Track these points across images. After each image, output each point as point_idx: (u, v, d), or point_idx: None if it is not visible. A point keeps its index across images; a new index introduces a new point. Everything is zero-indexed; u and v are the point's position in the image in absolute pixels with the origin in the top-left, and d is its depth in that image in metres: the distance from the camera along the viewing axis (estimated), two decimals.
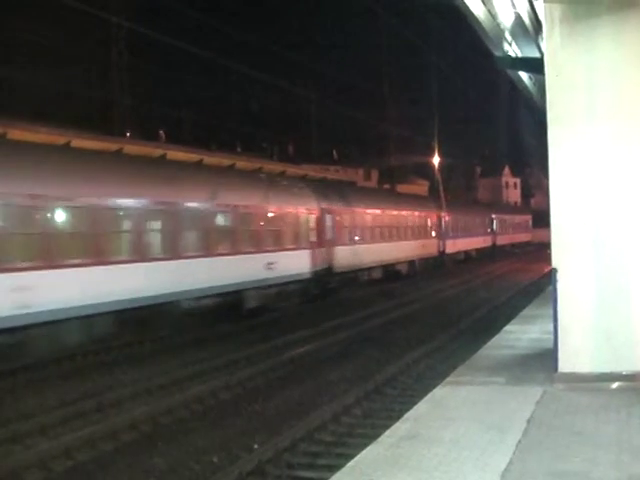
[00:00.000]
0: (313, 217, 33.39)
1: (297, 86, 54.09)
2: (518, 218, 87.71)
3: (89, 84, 47.57)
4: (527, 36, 15.77)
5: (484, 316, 26.48)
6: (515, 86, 21.50)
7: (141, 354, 21.05)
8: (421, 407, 10.78)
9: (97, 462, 11.74)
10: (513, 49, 16.73)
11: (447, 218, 54.78)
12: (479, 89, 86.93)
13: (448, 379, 12.65)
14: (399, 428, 9.67)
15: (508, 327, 18.67)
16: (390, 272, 43.40)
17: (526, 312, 21.57)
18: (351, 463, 8.41)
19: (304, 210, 32.54)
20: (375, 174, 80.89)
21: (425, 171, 79.34)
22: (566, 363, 11.90)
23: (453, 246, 55.71)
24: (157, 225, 23.07)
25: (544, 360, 12.94)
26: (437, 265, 52.01)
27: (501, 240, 73.95)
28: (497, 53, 16.53)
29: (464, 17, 14.00)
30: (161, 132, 49.81)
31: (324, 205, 34.44)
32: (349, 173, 67.79)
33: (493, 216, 72.24)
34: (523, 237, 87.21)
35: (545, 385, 11.58)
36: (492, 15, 14.32)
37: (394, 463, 8.25)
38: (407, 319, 26.81)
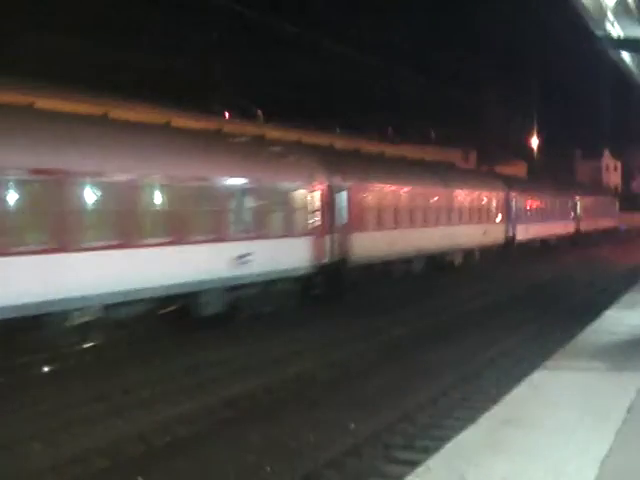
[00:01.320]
0: (317, 195, 26.57)
1: (396, 68, 53.70)
2: (604, 200, 78.22)
3: (188, 63, 48.17)
4: (630, 15, 15.44)
5: None
6: (617, 67, 21.06)
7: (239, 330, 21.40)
8: (519, 391, 10.69)
9: (196, 437, 12.02)
10: (615, 29, 16.39)
11: (517, 199, 48.14)
12: (580, 70, 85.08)
13: (546, 363, 12.51)
14: (497, 412, 9.62)
15: (608, 312, 18.39)
16: (439, 263, 37.02)
17: (627, 298, 21.20)
18: (449, 445, 8.40)
19: (301, 185, 25.80)
20: (473, 155, 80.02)
21: (525, 153, 78.23)
22: None
23: (525, 232, 48.95)
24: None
25: None
26: (504, 255, 45.11)
27: (586, 226, 65.27)
28: (599, 33, 16.21)
29: None
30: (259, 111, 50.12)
31: (336, 180, 27.76)
32: (447, 154, 67.16)
33: (577, 198, 63.78)
34: (608, 222, 76.90)
35: None
36: None
37: (492, 447, 8.21)
38: None
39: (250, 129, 30.05)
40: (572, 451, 8.00)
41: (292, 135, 31.83)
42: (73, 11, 41.69)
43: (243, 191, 22.71)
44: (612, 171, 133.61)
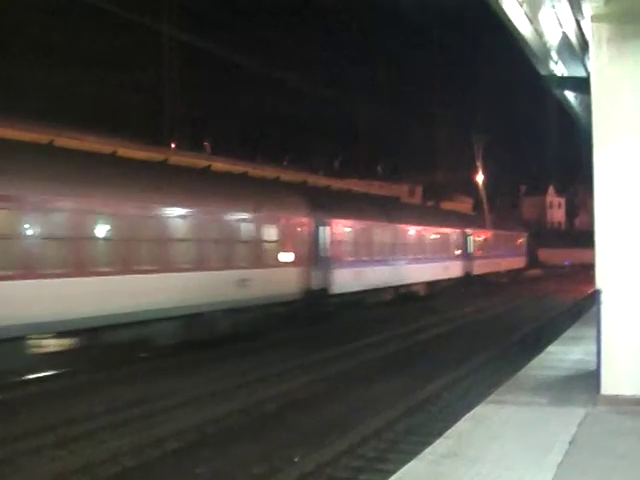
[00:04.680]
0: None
1: (346, 100, 54.29)
2: (509, 236, 64.98)
3: (138, 93, 48.28)
4: (573, 55, 15.75)
5: None
6: (561, 105, 21.42)
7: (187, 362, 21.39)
8: (462, 425, 10.76)
9: (143, 468, 11.91)
10: (559, 68, 16.70)
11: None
12: (526, 107, 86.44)
13: (490, 398, 12.62)
14: (441, 445, 9.67)
15: (550, 348, 18.58)
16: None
17: (569, 333, 21.43)
18: (391, 479, 8.42)
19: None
20: (419, 190, 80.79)
21: (470, 189, 79.14)
22: (609, 385, 11.83)
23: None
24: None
25: (587, 382, 12.87)
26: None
27: (480, 267, 53.19)
28: (543, 72, 16.51)
29: (512, 36, 14.03)
30: (206, 143, 50.27)
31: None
32: (393, 189, 67.73)
33: (468, 232, 51.88)
34: (514, 263, 65.16)
35: (587, 407, 11.51)
36: (539, 34, 14.32)
37: None
38: None
39: (197, 161, 30.08)
40: None
41: (238, 167, 31.93)
42: (26, 39, 41.64)
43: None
44: (556, 207, 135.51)
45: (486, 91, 68.07)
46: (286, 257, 27.30)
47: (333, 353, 22.40)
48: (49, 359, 19.13)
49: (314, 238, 29.50)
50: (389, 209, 40.94)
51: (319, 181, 40.31)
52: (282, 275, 26.85)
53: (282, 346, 24.60)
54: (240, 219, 25.19)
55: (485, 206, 62.31)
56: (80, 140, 24.70)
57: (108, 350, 20.50)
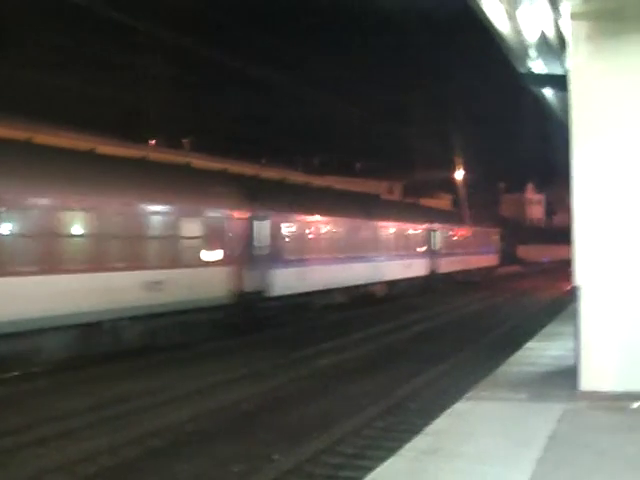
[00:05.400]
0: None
1: (324, 99, 54.25)
2: (479, 232, 61.40)
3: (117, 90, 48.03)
4: (552, 53, 15.78)
5: None
6: (539, 103, 21.48)
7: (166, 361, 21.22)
8: (441, 421, 10.76)
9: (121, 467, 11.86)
10: (538, 65, 16.73)
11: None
12: (505, 105, 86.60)
13: (469, 394, 12.63)
14: (419, 442, 9.66)
15: (530, 344, 18.63)
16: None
17: (548, 330, 21.50)
18: (370, 476, 8.41)
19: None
20: (398, 188, 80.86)
21: (450, 186, 79.31)
22: (588, 381, 11.89)
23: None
24: None
25: (566, 377, 12.92)
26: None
27: (447, 265, 50.36)
28: (521, 69, 16.54)
29: (489, 33, 14.05)
30: (185, 140, 50.17)
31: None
32: (372, 186, 67.78)
33: (434, 227, 48.97)
34: (486, 260, 61.98)
35: (566, 403, 11.51)
36: (517, 31, 14.35)
37: (413, 477, 8.25)
38: None
39: (175, 157, 30.01)
40: None
41: (217, 164, 31.89)
42: (7, 35, 41.45)
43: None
44: (535, 205, 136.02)
45: (464, 88, 68.32)
46: (212, 255, 24.42)
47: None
48: None
49: (249, 234, 26.57)
50: (344, 203, 38.18)
51: (299, 179, 40.23)
52: (206, 276, 23.82)
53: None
54: (152, 212, 22.34)
55: (464, 203, 62.25)
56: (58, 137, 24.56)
57: None
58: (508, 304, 39.42)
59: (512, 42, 14.55)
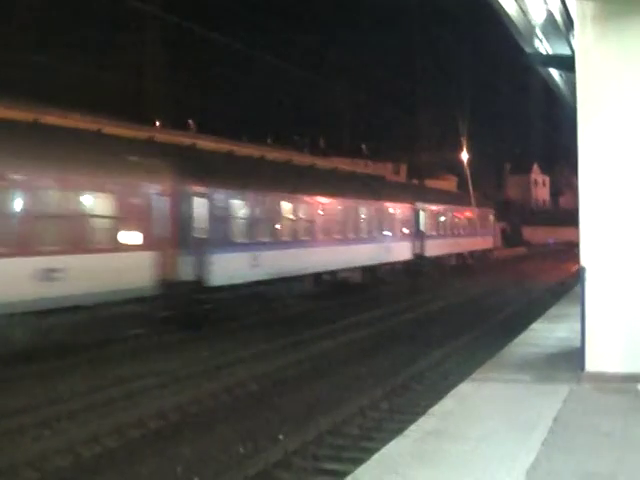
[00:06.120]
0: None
1: (330, 81, 54.22)
2: (472, 212, 55.69)
3: (122, 72, 47.95)
4: (558, 33, 15.74)
5: None
6: (546, 83, 21.42)
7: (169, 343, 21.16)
8: (446, 403, 10.77)
9: (125, 449, 11.87)
10: (544, 46, 16.69)
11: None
12: (511, 86, 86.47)
13: (474, 375, 12.64)
14: (424, 423, 9.68)
15: (535, 325, 18.62)
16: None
17: (553, 311, 21.48)
18: (376, 456, 8.43)
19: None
20: (404, 169, 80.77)
21: (455, 167, 79.16)
22: (593, 363, 11.91)
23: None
24: None
25: (571, 359, 12.92)
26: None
27: (435, 248, 45.30)
28: (528, 50, 16.49)
29: (496, 14, 14.01)
30: (190, 122, 50.01)
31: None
32: (378, 167, 67.72)
33: (420, 206, 44.01)
34: (479, 243, 56.38)
35: (572, 384, 11.52)
36: (524, 12, 14.32)
37: (419, 458, 8.26)
38: None
39: (182, 139, 29.87)
40: (498, 461, 8.07)
41: (223, 146, 31.72)
42: (8, 17, 41.32)
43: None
44: (541, 186, 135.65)
45: (470, 69, 68.25)
46: (130, 238, 20.60)
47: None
48: None
49: (183, 213, 22.67)
50: (310, 179, 33.55)
51: (304, 160, 40.03)
52: (122, 262, 19.96)
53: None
54: (47, 187, 18.53)
55: (469, 184, 61.94)
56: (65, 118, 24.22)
57: None
58: (512, 288, 38.46)
59: (519, 23, 14.53)
